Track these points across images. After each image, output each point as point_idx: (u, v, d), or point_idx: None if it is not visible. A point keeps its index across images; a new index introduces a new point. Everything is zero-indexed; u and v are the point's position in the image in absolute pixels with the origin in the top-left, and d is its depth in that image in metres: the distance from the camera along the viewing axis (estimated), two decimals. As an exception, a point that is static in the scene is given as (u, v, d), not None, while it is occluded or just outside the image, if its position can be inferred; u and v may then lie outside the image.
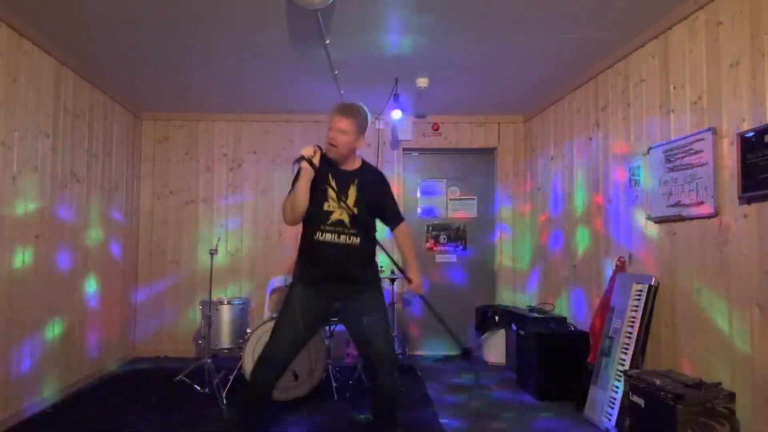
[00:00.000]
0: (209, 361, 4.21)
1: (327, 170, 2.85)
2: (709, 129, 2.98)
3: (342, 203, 2.82)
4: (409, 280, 2.99)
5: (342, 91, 4.90)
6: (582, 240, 4.52)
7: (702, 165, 3.03)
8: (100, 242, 4.75)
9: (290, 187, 2.87)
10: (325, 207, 2.84)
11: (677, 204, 3.25)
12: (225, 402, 3.90)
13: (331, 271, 2.84)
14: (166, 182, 5.74)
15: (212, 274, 4.38)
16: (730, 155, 2.84)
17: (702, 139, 3.04)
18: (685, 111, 3.24)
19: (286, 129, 5.81)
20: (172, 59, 4.19)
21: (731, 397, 2.70)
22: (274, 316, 4.21)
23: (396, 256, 3.39)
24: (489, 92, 5.11)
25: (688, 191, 3.15)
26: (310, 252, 2.88)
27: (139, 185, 5.67)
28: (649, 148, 3.53)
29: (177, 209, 5.73)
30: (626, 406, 3.17)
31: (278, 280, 5.10)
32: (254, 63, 4.27)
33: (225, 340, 4.43)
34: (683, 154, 3.19)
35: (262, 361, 2.84)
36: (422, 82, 4.63)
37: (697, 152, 3.08)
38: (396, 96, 4.82)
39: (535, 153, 5.60)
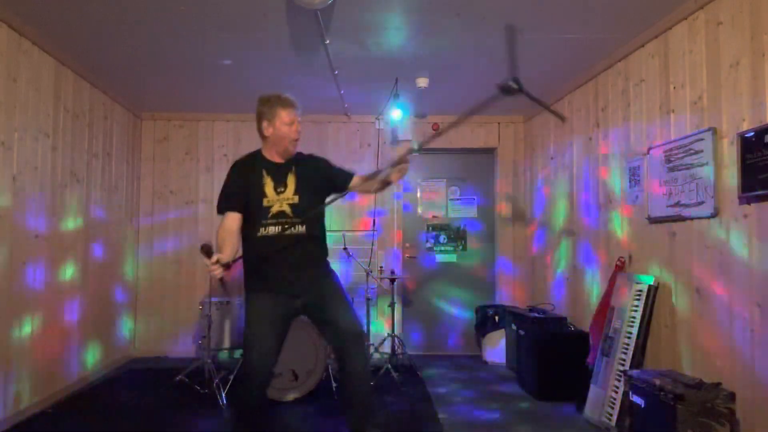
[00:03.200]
0: (209, 361, 4.21)
1: (260, 168, 2.79)
2: (709, 129, 2.98)
3: (280, 195, 2.75)
4: (397, 170, 2.71)
5: (342, 91, 4.91)
6: (581, 240, 4.52)
7: (702, 165, 3.03)
8: (99, 242, 4.75)
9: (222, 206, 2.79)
10: (264, 203, 2.74)
11: (677, 204, 3.25)
12: (225, 402, 3.90)
13: (282, 267, 2.73)
14: (166, 182, 5.74)
15: (212, 274, 4.38)
16: (730, 155, 2.84)
17: (702, 139, 3.03)
18: (685, 111, 3.24)
19: (286, 129, 5.80)
20: (172, 59, 4.19)
21: (731, 397, 2.70)
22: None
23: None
24: (489, 92, 5.08)
25: (688, 191, 3.15)
26: (255, 251, 2.76)
27: (139, 185, 5.67)
28: (649, 148, 3.53)
29: (177, 209, 5.73)
30: (626, 406, 3.17)
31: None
32: (254, 63, 4.27)
33: (225, 340, 4.43)
34: (683, 154, 3.19)
35: (246, 381, 2.74)
36: (422, 82, 4.63)
37: (697, 152, 3.08)
38: (396, 96, 4.82)
39: (535, 153, 5.60)
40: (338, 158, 3.05)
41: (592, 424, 3.55)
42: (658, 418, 2.82)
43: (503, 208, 5.88)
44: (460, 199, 5.99)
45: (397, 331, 5.30)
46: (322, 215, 2.90)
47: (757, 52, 2.68)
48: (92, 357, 4.62)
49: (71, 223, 4.24)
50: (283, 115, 2.77)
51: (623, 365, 3.40)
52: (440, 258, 5.93)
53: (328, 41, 3.76)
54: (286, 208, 2.74)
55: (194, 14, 3.41)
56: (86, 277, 4.49)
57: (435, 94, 4.99)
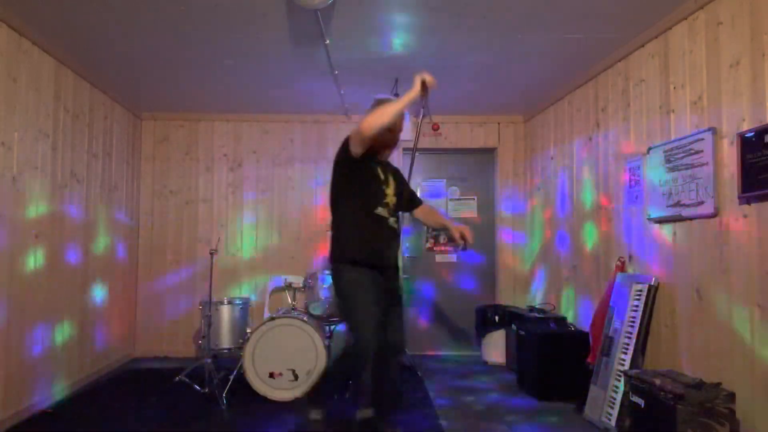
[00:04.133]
0: (209, 361, 4.21)
1: (371, 159, 2.99)
2: (709, 129, 2.98)
3: (387, 189, 3.01)
4: (462, 237, 3.04)
5: (342, 91, 4.91)
6: (582, 240, 4.52)
7: (702, 165, 3.03)
8: (100, 242, 4.75)
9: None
10: (381, 186, 2.97)
11: (677, 204, 3.25)
12: (225, 402, 3.90)
13: (386, 248, 2.96)
14: (166, 182, 5.74)
15: (212, 274, 4.38)
16: (730, 155, 2.84)
17: (702, 139, 3.04)
18: (685, 111, 3.24)
19: (286, 129, 5.82)
20: (173, 59, 4.19)
21: (731, 397, 2.70)
22: (274, 316, 4.21)
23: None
24: (489, 92, 5.11)
25: (688, 191, 3.15)
26: (367, 225, 2.92)
27: (139, 185, 5.67)
28: (649, 148, 3.53)
29: (177, 209, 5.73)
30: (626, 406, 3.17)
31: (278, 281, 5.11)
32: (254, 63, 4.27)
33: (225, 340, 4.43)
34: (683, 154, 3.19)
35: (361, 354, 2.85)
36: (422, 82, 4.62)
37: (697, 152, 3.08)
38: (396, 96, 4.81)
39: (535, 153, 5.60)
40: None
41: (592, 424, 3.55)
42: (658, 418, 2.82)
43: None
44: (460, 199, 5.99)
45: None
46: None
47: (757, 52, 2.69)
48: (93, 357, 4.62)
49: (71, 223, 4.24)
50: (395, 122, 2.98)
51: (623, 365, 3.40)
52: (440, 258, 5.93)
53: (328, 41, 3.76)
54: (391, 203, 3.02)
55: (194, 14, 3.41)
56: (87, 277, 4.49)
57: (435, 94, 4.97)
